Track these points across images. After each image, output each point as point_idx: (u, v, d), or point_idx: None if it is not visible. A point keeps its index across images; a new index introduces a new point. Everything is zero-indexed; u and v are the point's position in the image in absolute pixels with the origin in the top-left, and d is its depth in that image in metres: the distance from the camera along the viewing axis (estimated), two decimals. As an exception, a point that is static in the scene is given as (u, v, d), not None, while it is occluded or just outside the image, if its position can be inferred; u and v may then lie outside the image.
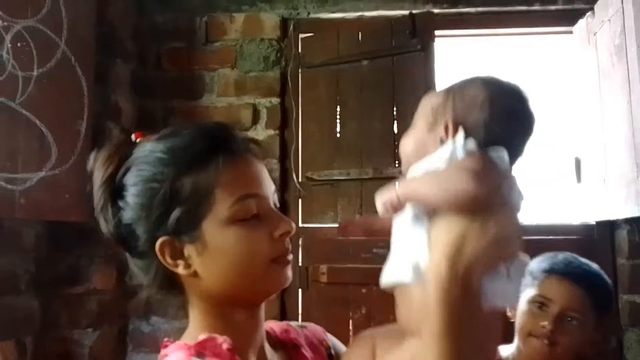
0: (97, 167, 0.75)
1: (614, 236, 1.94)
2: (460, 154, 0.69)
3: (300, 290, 1.99)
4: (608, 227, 1.94)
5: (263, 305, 0.79)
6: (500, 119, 0.72)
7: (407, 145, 0.77)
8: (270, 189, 0.77)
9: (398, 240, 0.72)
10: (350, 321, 1.93)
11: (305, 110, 2.14)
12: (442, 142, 0.73)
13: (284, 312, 1.97)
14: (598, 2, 1.99)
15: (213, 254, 0.71)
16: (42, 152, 1.60)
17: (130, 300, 1.89)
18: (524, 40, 2.29)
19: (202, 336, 0.71)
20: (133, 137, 0.78)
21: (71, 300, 1.72)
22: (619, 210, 1.82)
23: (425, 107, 0.76)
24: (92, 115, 1.71)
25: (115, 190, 0.73)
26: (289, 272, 0.76)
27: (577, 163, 2.06)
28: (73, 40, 1.69)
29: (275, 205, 0.78)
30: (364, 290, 1.93)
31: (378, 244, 1.94)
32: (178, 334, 0.75)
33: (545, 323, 1.15)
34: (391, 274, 0.71)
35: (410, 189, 0.69)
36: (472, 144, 0.70)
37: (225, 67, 2.15)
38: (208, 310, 0.75)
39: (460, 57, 2.33)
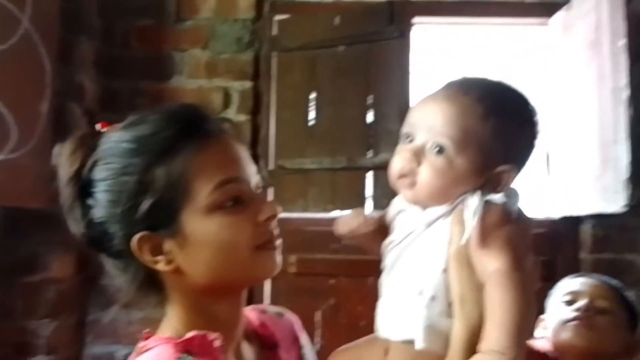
0: (62, 163, 0.72)
1: (578, 231, 2.03)
2: (473, 208, 0.62)
3: (269, 280, 2.04)
4: (573, 222, 2.04)
5: (245, 297, 0.77)
6: (533, 151, 0.69)
7: (440, 181, 0.65)
8: (251, 170, 0.74)
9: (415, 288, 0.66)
10: (320, 312, 1.99)
11: (279, 96, 2.15)
12: (490, 186, 0.64)
13: (252, 302, 2.00)
14: (575, -4, 2.06)
15: (195, 246, 0.69)
16: (2, 134, 1.57)
17: (89, 289, 1.90)
18: (501, 30, 2.35)
19: (191, 333, 0.70)
20: (98, 126, 0.75)
21: (28, 289, 1.70)
22: (585, 205, 1.92)
23: (468, 136, 0.63)
24: (54, 96, 1.69)
25: (83, 187, 0.71)
26: (278, 257, 0.74)
27: (547, 157, 2.15)
28: (37, 15, 1.65)
29: (258, 186, 0.75)
30: (332, 282, 1.98)
31: (349, 234, 1.99)
32: (149, 324, 0.73)
33: (577, 306, 1.20)
34: (384, 327, 0.69)
35: (512, 336, 0.58)
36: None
37: (196, 47, 2.13)
38: (190, 306, 0.73)
39: (438, 45, 2.38)
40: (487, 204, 0.62)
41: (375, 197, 2.02)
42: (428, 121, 0.65)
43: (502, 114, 0.64)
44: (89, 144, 0.72)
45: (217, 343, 0.69)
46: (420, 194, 0.65)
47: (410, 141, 0.66)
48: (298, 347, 0.89)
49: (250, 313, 0.86)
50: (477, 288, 0.62)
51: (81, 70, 1.91)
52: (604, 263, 1.97)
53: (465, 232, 0.61)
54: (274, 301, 2.01)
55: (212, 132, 0.72)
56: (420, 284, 0.65)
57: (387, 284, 0.70)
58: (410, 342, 0.65)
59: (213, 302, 0.73)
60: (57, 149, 0.73)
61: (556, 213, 2.07)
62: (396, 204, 0.74)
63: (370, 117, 2.09)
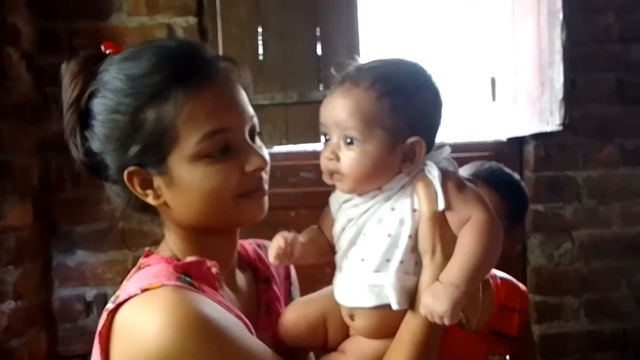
0: (65, 85, 0.78)
1: (522, 151, 2.28)
2: (436, 174, 0.72)
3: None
4: (517, 143, 2.27)
5: (238, 231, 0.85)
6: (440, 111, 0.77)
7: (360, 168, 0.72)
8: (245, 115, 0.77)
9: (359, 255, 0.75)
10: (281, 242, 2.15)
11: (225, 31, 2.21)
12: (408, 160, 0.73)
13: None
14: None
15: (181, 189, 0.76)
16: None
17: (50, 235, 2.00)
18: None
19: (190, 258, 0.78)
20: (102, 47, 0.80)
21: (-14, 238, 1.78)
22: (526, 126, 2.15)
23: (369, 122, 0.71)
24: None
25: (82, 116, 0.77)
26: (264, 203, 0.80)
27: (493, 82, 2.35)
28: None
29: (254, 129, 0.80)
30: (292, 214, 2.14)
31: (306, 167, 2.15)
32: (115, 266, 0.84)
33: None
34: (351, 297, 0.76)
35: (470, 276, 0.69)
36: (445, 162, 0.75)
37: (133, -18, 2.15)
38: (183, 236, 0.81)
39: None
40: (443, 171, 0.73)
41: (329, 130, 2.16)
42: (334, 118, 0.74)
43: (393, 92, 0.72)
44: (91, 68, 0.78)
45: (214, 270, 0.78)
46: (350, 183, 0.74)
47: (328, 139, 0.76)
48: (289, 283, 0.99)
49: (248, 246, 0.94)
50: (447, 242, 0.72)
51: (13, 12, 1.91)
52: (546, 180, 2.22)
53: (438, 196, 0.71)
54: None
55: (208, 75, 0.75)
56: (387, 253, 0.73)
57: (348, 258, 0.77)
58: (379, 307, 0.74)
59: (204, 235, 0.81)
60: (63, 67, 0.79)
61: (502, 135, 2.29)
62: (336, 199, 0.80)
63: (319, 50, 2.20)
